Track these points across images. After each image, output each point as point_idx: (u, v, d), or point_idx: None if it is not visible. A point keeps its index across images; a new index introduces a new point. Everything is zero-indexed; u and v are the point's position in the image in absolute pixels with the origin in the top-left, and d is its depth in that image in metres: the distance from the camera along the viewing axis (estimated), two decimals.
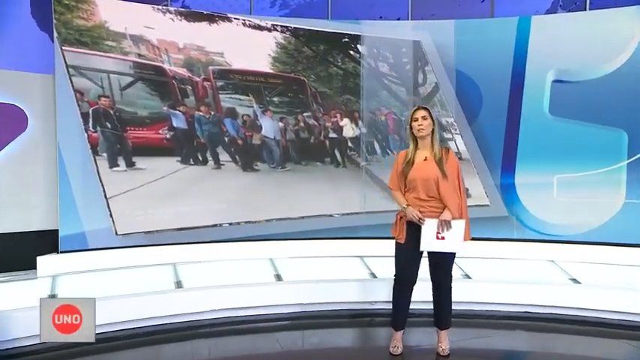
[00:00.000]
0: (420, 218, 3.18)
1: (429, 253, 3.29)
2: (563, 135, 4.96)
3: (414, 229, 3.25)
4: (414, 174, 3.24)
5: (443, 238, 3.14)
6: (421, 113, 3.23)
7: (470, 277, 4.57)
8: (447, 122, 5.37)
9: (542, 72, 5.04)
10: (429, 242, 3.19)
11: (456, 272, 4.51)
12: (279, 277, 4.57)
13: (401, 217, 3.29)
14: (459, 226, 3.17)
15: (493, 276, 4.64)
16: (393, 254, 3.39)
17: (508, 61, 5.13)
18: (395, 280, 3.41)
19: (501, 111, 5.16)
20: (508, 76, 5.11)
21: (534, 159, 5.09)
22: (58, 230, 4.52)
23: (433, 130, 3.24)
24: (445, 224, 3.16)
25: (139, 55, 4.83)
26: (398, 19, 5.49)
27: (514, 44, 5.12)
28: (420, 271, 3.39)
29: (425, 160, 3.24)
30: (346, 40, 5.43)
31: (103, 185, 4.66)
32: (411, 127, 3.26)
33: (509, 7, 5.32)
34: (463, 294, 3.99)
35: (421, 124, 3.21)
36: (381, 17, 5.51)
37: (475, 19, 5.25)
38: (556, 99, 4.98)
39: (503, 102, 5.16)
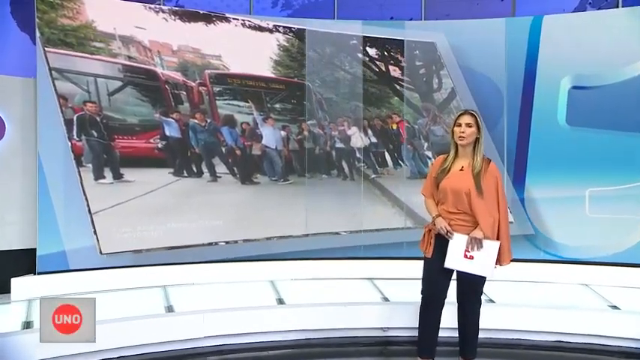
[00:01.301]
0: (448, 231, 3.09)
1: (457, 272, 3.18)
2: (585, 146, 4.91)
3: (443, 244, 3.15)
4: (446, 183, 3.16)
5: (472, 257, 3.06)
6: (466, 119, 3.13)
7: (493, 301, 4.40)
8: None
9: (555, 78, 5.01)
10: (455, 260, 3.10)
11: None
12: (281, 301, 4.46)
13: (430, 230, 3.22)
14: (492, 248, 3.07)
15: (519, 300, 4.49)
16: (421, 273, 3.33)
17: (521, 67, 5.12)
18: (422, 299, 3.30)
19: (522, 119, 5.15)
20: (521, 83, 5.10)
21: (556, 171, 5.01)
22: (35, 249, 4.44)
23: (478, 139, 3.14)
24: (475, 242, 3.06)
25: (129, 58, 4.79)
26: (410, 20, 5.46)
27: (526, 47, 5.10)
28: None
29: (461, 170, 3.16)
30: (354, 42, 5.39)
31: (87, 199, 4.58)
32: (452, 132, 3.17)
33: (532, 7, 5.26)
34: (486, 320, 3.74)
35: (463, 132, 3.11)
36: (391, 18, 5.52)
37: (490, 19, 5.21)
38: (574, 107, 4.94)
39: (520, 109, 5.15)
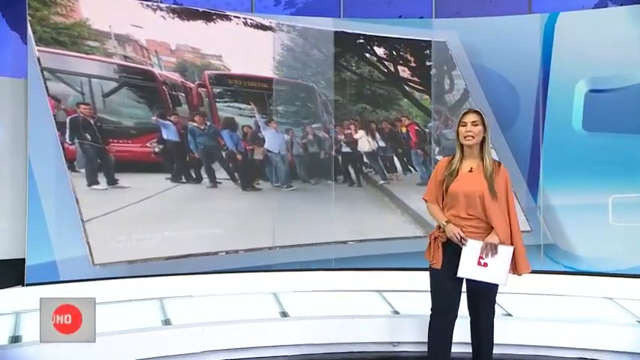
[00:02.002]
0: (462, 238, 3.04)
1: (467, 281, 3.13)
2: (606, 151, 4.88)
3: (451, 252, 3.09)
4: (457, 186, 3.10)
5: (485, 265, 3.01)
6: (471, 117, 3.11)
7: (510, 315, 4.36)
8: None
9: (571, 81, 4.99)
10: (468, 268, 3.03)
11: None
12: (284, 314, 4.42)
13: (435, 238, 3.15)
14: (506, 253, 3.03)
15: (538, 314, 4.43)
16: (429, 284, 3.24)
17: (536, 67, 5.09)
18: (431, 314, 3.21)
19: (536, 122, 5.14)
20: (535, 84, 5.09)
21: (575, 177, 4.97)
22: (24, 259, 4.39)
23: (484, 138, 3.12)
24: (491, 248, 3.01)
25: (125, 58, 4.77)
26: (420, 18, 5.43)
27: (541, 47, 5.08)
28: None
29: (470, 171, 3.12)
30: (361, 41, 5.38)
31: (79, 206, 4.52)
32: (457, 133, 3.15)
33: (549, 3, 5.20)
34: (503, 334, 3.83)
35: (470, 131, 3.08)
36: (400, 16, 5.48)
37: (505, 16, 5.18)
38: (592, 112, 4.91)
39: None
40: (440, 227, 3.14)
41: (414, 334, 4.06)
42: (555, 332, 4.14)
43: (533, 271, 4.62)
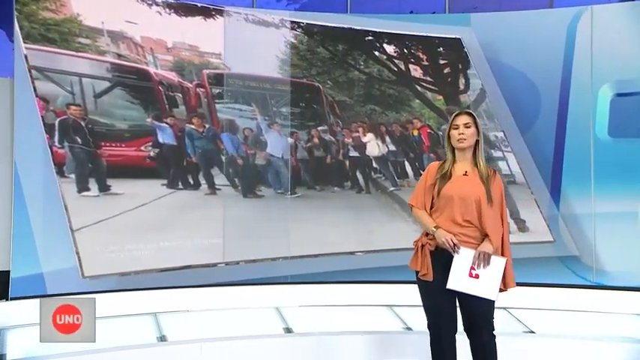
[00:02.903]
0: (455, 244, 2.97)
1: (459, 298, 3.05)
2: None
3: (441, 261, 3.02)
4: (450, 189, 3.05)
5: (477, 276, 2.93)
6: (463, 119, 3.08)
7: (533, 332, 4.35)
8: (496, 137, 5.24)
9: (595, 83, 4.95)
10: (459, 280, 2.95)
11: (516, 326, 4.41)
12: (288, 330, 4.40)
13: (423, 246, 3.09)
14: (498, 265, 2.96)
15: (563, 331, 4.39)
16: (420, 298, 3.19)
17: (558, 68, 5.08)
18: (430, 333, 3.16)
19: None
20: (558, 85, 5.08)
21: (601, 184, 4.94)
22: (8, 271, 4.34)
23: (477, 141, 3.11)
24: (484, 258, 2.95)
25: (119, 56, 4.76)
26: (433, 14, 5.51)
27: (564, 45, 5.06)
28: None
29: (465, 174, 3.10)
30: (370, 38, 5.39)
31: (68, 214, 4.49)
32: (449, 137, 3.13)
33: None
34: (524, 353, 3.89)
35: (462, 133, 3.06)
36: (411, 11, 5.54)
37: (526, 11, 5.17)
38: (619, 117, 4.90)
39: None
40: (427, 234, 3.09)
41: (428, 351, 3.90)
42: (581, 351, 4.06)
43: (556, 285, 4.82)
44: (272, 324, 4.48)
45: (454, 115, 3.13)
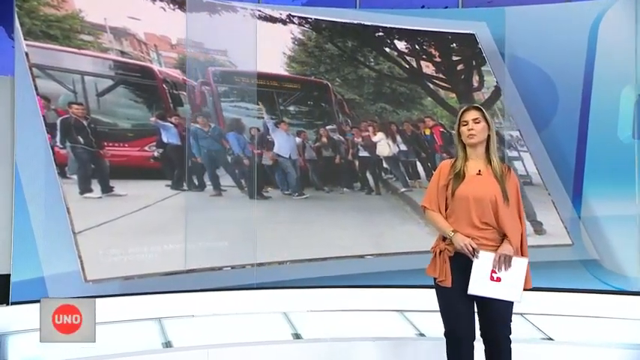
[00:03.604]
0: (474, 249, 2.95)
1: (477, 300, 3.05)
2: None
3: (460, 267, 3.00)
4: (465, 190, 3.02)
5: (498, 279, 2.93)
6: (472, 115, 3.07)
7: (551, 339, 4.33)
8: (512, 136, 5.23)
9: (618, 83, 4.92)
10: (480, 284, 2.94)
11: (533, 333, 4.39)
12: (297, 336, 4.39)
13: (441, 252, 3.06)
14: (520, 266, 2.96)
15: (583, 338, 4.35)
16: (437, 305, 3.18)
17: (580, 66, 5.04)
18: (447, 340, 3.15)
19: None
20: (580, 84, 5.04)
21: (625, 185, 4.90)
22: (9, 275, 4.34)
23: (489, 136, 3.08)
24: (505, 260, 2.94)
25: (122, 53, 4.78)
26: (445, 8, 5.46)
27: (587, 41, 5.03)
28: None
29: (479, 174, 3.07)
30: (380, 34, 5.40)
31: (70, 216, 4.49)
32: (459, 133, 3.12)
33: None
34: None
35: (472, 129, 3.03)
36: (423, 6, 5.50)
37: (545, 5, 5.16)
38: None
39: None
40: (445, 239, 3.06)
41: (443, 358, 3.82)
42: (602, 359, 4.04)
43: (575, 290, 4.82)
44: (280, 329, 4.47)
45: (462, 110, 3.13)
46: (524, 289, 2.98)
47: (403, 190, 5.37)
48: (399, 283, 5.03)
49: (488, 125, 3.05)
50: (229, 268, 4.99)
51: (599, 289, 4.88)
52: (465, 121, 3.04)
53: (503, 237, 2.99)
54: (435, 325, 4.25)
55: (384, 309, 4.90)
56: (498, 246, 2.98)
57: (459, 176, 3.04)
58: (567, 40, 5.04)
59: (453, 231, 3.00)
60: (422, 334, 4.36)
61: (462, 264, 2.97)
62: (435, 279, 3.08)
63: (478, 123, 3.02)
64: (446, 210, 3.08)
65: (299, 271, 5.09)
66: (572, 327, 4.53)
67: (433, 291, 4.74)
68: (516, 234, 3.00)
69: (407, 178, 5.36)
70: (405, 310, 4.86)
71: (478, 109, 3.08)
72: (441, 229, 3.07)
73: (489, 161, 3.05)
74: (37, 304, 4.19)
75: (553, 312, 4.67)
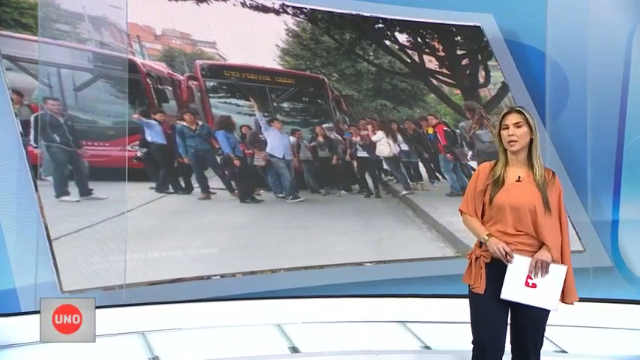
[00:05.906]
0: (507, 253, 2.97)
1: (512, 307, 3.05)
2: None
3: (496, 274, 3.01)
4: (503, 198, 3.03)
5: (534, 286, 2.94)
6: (513, 118, 3.05)
7: (565, 352, 4.28)
8: None
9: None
10: (514, 289, 2.96)
11: (545, 345, 4.38)
12: (294, 349, 4.30)
13: (477, 258, 3.09)
14: (559, 273, 2.95)
15: (598, 351, 4.31)
16: (467, 314, 3.14)
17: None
18: (474, 348, 3.12)
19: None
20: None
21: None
22: None
23: (532, 140, 3.06)
24: (541, 266, 2.95)
25: (101, 44, 4.77)
26: None
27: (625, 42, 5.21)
28: None
29: (519, 180, 3.07)
30: (380, 25, 5.48)
31: (45, 222, 4.43)
32: (499, 137, 3.12)
33: None
34: None
35: (512, 134, 3.02)
36: None
37: None
38: None
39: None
40: (481, 244, 3.09)
41: None
42: None
43: (590, 299, 4.66)
44: (275, 342, 4.41)
45: (503, 113, 3.11)
46: (566, 303, 3.02)
47: (404, 192, 5.41)
48: (401, 293, 5.02)
49: (531, 129, 3.05)
50: (219, 277, 4.96)
51: (615, 298, 4.91)
52: (506, 125, 3.04)
53: (542, 244, 3.00)
54: (440, 337, 4.36)
55: (384, 320, 4.88)
56: (535, 252, 2.99)
57: (497, 182, 3.06)
58: (605, 35, 5.08)
59: (487, 235, 3.03)
60: (428, 347, 4.35)
61: (498, 271, 3.00)
62: (469, 286, 3.09)
63: (519, 127, 3.01)
64: (483, 216, 3.12)
65: (293, 280, 5.04)
66: (586, 338, 4.51)
67: (437, 300, 4.98)
68: (556, 244, 3.01)
69: (408, 179, 5.41)
70: (407, 321, 4.83)
71: (520, 112, 3.07)
72: (476, 233, 3.12)
73: (531, 166, 3.06)
74: (7, 319, 4.26)
75: (565, 323, 4.47)
